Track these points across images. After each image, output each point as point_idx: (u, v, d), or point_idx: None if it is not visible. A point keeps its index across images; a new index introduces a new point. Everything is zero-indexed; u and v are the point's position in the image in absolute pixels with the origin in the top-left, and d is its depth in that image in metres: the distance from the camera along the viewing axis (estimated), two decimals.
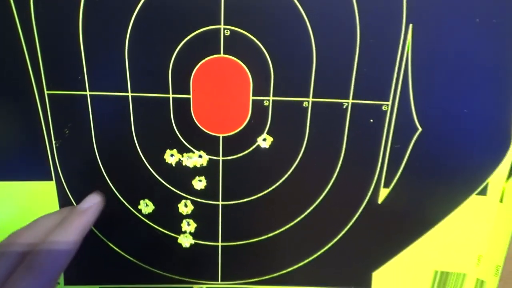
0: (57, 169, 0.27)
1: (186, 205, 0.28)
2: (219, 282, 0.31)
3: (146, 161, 0.27)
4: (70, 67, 0.25)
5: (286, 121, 0.26)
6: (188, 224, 0.29)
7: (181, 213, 0.29)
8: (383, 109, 0.26)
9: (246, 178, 0.28)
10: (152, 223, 0.29)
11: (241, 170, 0.28)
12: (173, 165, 0.27)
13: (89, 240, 0.28)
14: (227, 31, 0.24)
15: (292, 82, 0.26)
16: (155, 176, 0.28)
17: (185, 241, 0.29)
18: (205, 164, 0.27)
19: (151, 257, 0.30)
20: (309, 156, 0.27)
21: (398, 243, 0.30)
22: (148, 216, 0.29)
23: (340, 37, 0.25)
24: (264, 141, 0.27)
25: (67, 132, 0.26)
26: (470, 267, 0.30)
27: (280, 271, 0.30)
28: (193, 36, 0.24)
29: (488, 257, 0.29)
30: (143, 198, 0.28)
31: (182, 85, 0.26)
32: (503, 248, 0.29)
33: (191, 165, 0.27)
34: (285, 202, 0.29)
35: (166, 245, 0.29)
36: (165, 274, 0.30)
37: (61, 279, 0.30)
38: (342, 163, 0.27)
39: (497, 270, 0.29)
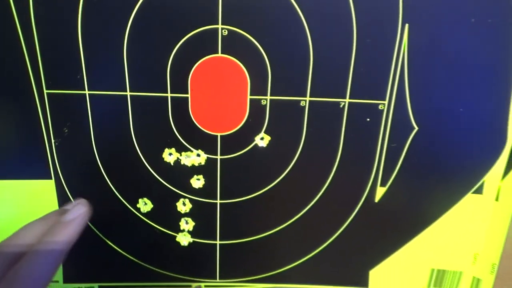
0: (56, 167, 0.27)
1: (184, 204, 0.29)
2: (217, 280, 0.31)
3: (145, 159, 0.27)
4: (69, 66, 0.25)
5: (284, 120, 0.27)
6: (187, 223, 0.29)
7: (179, 212, 0.29)
8: (380, 108, 0.26)
9: (244, 177, 0.28)
10: (151, 221, 0.29)
11: (239, 169, 0.28)
12: (172, 163, 0.28)
13: (88, 238, 0.29)
14: (224, 31, 0.25)
15: (289, 82, 0.26)
16: (153, 175, 0.28)
17: (184, 239, 0.30)
18: (203, 163, 0.28)
19: (150, 255, 0.30)
20: (306, 155, 0.27)
21: (395, 242, 0.30)
22: (146, 214, 0.29)
23: (337, 37, 0.25)
24: (262, 140, 0.27)
25: (66, 131, 0.27)
26: (467, 265, 0.30)
27: (278, 269, 0.31)
28: (191, 36, 0.25)
29: (484, 255, 0.30)
30: (142, 197, 0.29)
31: (180, 85, 0.26)
32: (499, 246, 0.29)
33: (189, 164, 0.28)
34: (283, 201, 0.29)
35: (165, 243, 0.30)
36: (163, 272, 0.30)
37: (60, 277, 0.30)
38: (339, 162, 0.28)
39: (493, 268, 0.30)
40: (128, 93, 0.26)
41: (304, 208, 0.29)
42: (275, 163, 0.28)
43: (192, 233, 0.29)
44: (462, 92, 0.26)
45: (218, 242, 0.30)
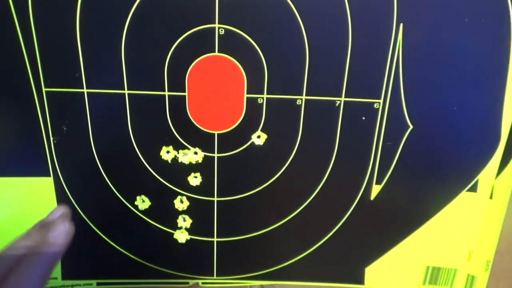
0: (55, 165, 0.28)
1: (182, 201, 0.29)
2: (215, 277, 0.31)
3: (143, 157, 0.28)
4: (67, 64, 0.25)
5: (280, 119, 0.27)
6: (184, 220, 0.29)
7: (177, 209, 0.29)
8: (375, 107, 0.27)
9: (241, 174, 0.28)
10: (149, 219, 0.29)
11: (236, 167, 0.28)
12: (169, 161, 0.28)
13: (86, 235, 0.29)
14: (221, 30, 0.25)
15: (285, 80, 0.26)
16: (151, 173, 0.28)
17: (181, 236, 0.30)
18: (200, 161, 0.28)
19: (147, 253, 0.30)
20: (303, 153, 0.28)
21: (391, 239, 0.30)
22: (144, 212, 0.29)
23: (333, 36, 0.25)
24: (258, 138, 0.27)
25: (64, 128, 0.27)
26: (461, 263, 0.30)
27: (274, 266, 0.31)
28: (188, 35, 0.25)
29: (479, 252, 0.30)
30: (140, 194, 0.29)
31: (177, 83, 0.26)
32: (493, 244, 0.30)
33: (186, 162, 0.28)
34: (279, 199, 0.29)
35: (162, 240, 0.30)
36: (161, 269, 0.31)
37: (59, 274, 0.30)
38: (335, 160, 0.28)
39: (488, 265, 0.30)
40: (126, 92, 0.26)
41: (300, 206, 0.29)
42: (272, 161, 0.28)
43: (189, 231, 0.30)
44: (456, 91, 0.26)
45: (215, 239, 0.30)
